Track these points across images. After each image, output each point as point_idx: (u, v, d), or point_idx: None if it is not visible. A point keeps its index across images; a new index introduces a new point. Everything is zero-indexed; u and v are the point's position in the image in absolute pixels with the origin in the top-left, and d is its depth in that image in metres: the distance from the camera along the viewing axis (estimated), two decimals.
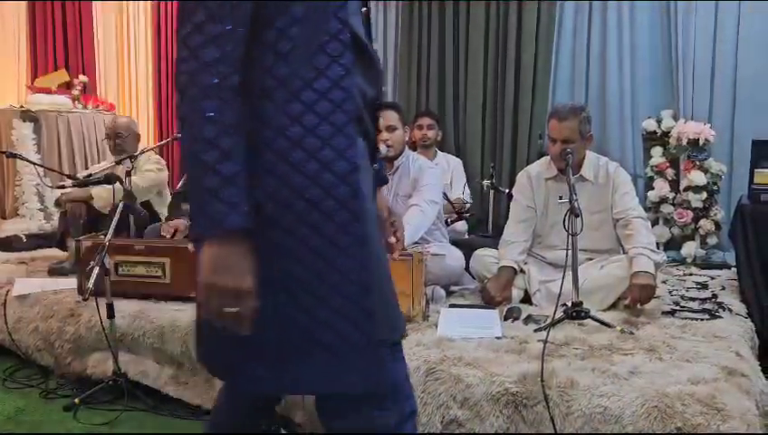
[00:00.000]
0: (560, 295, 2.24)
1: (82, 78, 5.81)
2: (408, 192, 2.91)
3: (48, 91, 5.51)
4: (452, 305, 2.71)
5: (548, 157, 2.95)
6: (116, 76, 6.56)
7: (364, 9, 1.20)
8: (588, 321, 2.35)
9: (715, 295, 2.88)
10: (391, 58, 4.98)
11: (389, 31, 4.99)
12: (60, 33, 6.18)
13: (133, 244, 2.83)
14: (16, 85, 6.18)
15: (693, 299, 2.81)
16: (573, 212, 2.31)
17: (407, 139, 3.05)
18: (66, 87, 5.78)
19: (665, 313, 2.55)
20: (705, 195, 3.79)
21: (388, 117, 2.91)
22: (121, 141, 3.62)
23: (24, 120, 5.06)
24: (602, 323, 2.33)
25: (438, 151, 4.26)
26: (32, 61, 6.20)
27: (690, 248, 3.82)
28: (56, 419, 2.37)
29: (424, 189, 2.85)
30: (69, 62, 6.19)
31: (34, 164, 3.71)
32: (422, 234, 2.79)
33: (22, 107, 5.24)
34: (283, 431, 2.05)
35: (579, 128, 2.68)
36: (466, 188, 4.07)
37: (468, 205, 3.97)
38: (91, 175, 3.25)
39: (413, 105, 4.75)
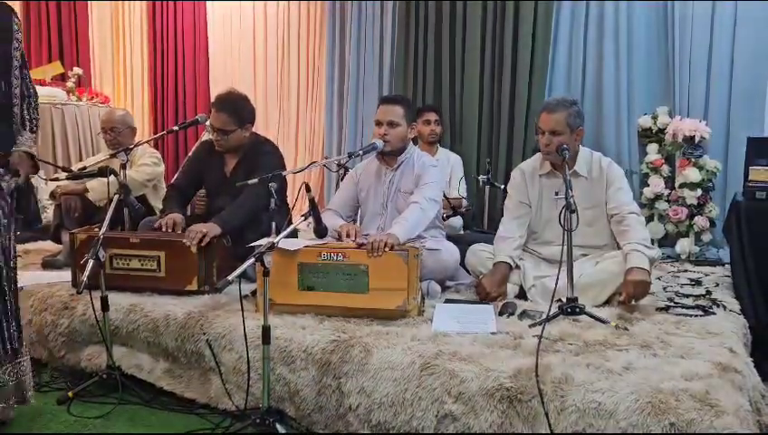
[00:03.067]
0: (555, 291, 2.25)
1: (77, 70, 5.77)
2: (410, 188, 2.90)
3: (42, 83, 5.47)
4: (447, 301, 2.72)
5: (539, 154, 2.95)
6: (111, 69, 6.52)
7: None
8: (582, 316, 2.36)
9: (708, 292, 2.89)
10: (388, 54, 4.97)
11: (386, 26, 4.98)
12: (54, 25, 6.14)
13: (128, 237, 2.82)
14: None
15: (687, 296, 2.82)
16: (569, 208, 2.31)
17: (411, 136, 3.02)
18: (60, 79, 5.75)
19: (659, 309, 2.56)
20: (699, 192, 3.80)
21: (390, 111, 2.90)
22: (117, 135, 3.60)
23: None
24: (597, 318, 2.34)
25: (440, 147, 4.26)
26: (25, 52, 6.16)
27: (684, 245, 3.83)
28: (50, 412, 2.36)
29: (425, 188, 2.85)
30: (63, 54, 6.16)
31: None
32: (419, 232, 2.79)
33: None
34: (278, 426, 2.05)
35: (567, 120, 2.68)
36: (462, 183, 4.06)
37: (465, 201, 3.97)
38: (85, 168, 3.23)
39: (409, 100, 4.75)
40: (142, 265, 2.75)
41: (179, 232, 2.89)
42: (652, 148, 4.06)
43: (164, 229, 2.90)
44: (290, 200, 3.46)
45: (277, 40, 5.75)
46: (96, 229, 2.71)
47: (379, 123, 2.91)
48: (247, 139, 3.15)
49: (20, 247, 4.05)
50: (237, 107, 3.09)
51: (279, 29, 5.74)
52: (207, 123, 3.40)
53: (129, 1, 6.37)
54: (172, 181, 3.42)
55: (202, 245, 2.73)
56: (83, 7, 6.26)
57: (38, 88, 5.41)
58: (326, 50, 5.31)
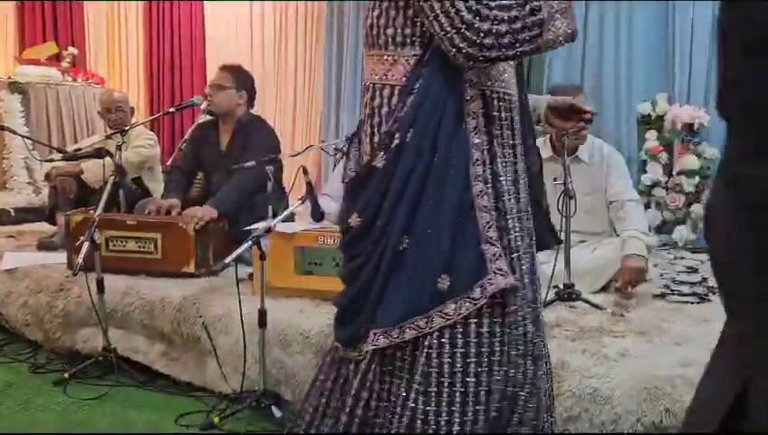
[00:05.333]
0: (552, 277, 2.25)
1: (72, 50, 5.71)
2: None
3: (37, 63, 5.42)
4: None
5: (542, 138, 2.94)
6: (106, 49, 6.45)
7: None
8: (579, 303, 2.36)
9: (705, 279, 2.90)
10: None
11: None
12: (49, 5, 6.07)
13: (125, 219, 2.80)
14: (4, 56, 6.08)
15: (683, 283, 2.83)
16: (567, 194, 2.30)
17: None
18: (55, 59, 5.69)
19: (655, 296, 2.57)
20: (697, 179, 3.80)
21: None
22: (122, 115, 3.57)
23: (12, 92, 4.98)
24: (593, 305, 2.34)
25: None
26: (20, 32, 6.09)
27: (681, 232, 3.83)
28: (46, 393, 2.36)
29: None
30: (58, 34, 6.09)
31: (23, 137, 3.66)
32: None
33: (9, 78, 5.15)
34: (274, 409, 2.05)
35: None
36: None
37: None
38: (80, 149, 3.21)
39: None
40: (139, 246, 2.74)
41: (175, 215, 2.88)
42: (651, 134, 4.04)
43: (160, 211, 2.88)
44: (287, 183, 3.44)
45: (274, 21, 5.70)
46: (91, 211, 2.69)
47: None
48: (240, 110, 3.15)
49: (15, 229, 4.05)
50: (240, 72, 3.19)
51: (277, 11, 5.68)
52: (203, 106, 3.38)
53: None
54: (176, 163, 3.40)
55: (197, 228, 2.71)
56: None
57: (32, 68, 5.42)
58: (324, 32, 5.26)
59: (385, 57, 1.27)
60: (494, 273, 1.20)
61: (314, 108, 5.53)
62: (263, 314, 2.08)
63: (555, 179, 2.70)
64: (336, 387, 1.37)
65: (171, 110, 3.26)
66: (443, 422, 1.19)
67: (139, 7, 6.27)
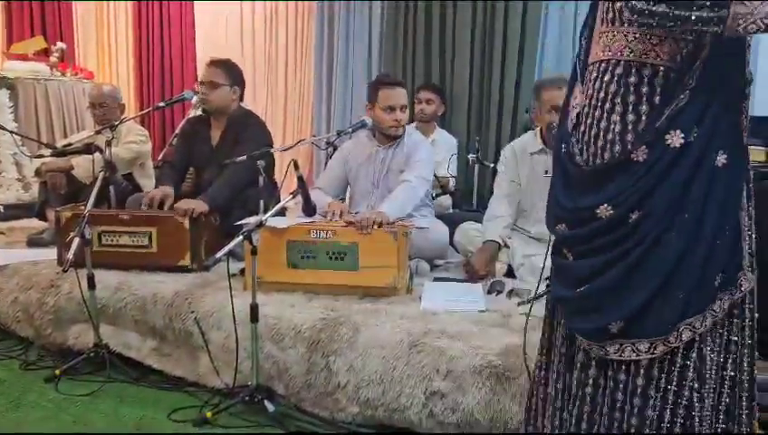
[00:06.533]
0: (543, 269, 2.24)
1: (60, 45, 5.65)
2: (402, 167, 2.89)
3: (24, 58, 5.36)
4: (436, 279, 2.72)
5: (533, 131, 2.94)
6: (95, 44, 6.40)
7: None
8: None
9: None
10: (377, 29, 4.91)
11: (375, 3, 4.91)
12: (36, 3, 6.00)
13: (118, 213, 2.79)
14: None
15: None
16: None
17: None
18: (44, 54, 5.64)
19: None
20: None
21: (402, 95, 2.88)
22: (107, 111, 3.55)
23: (0, 87, 4.93)
24: None
25: (438, 127, 4.15)
26: (7, 27, 6.03)
27: None
28: (37, 390, 2.35)
29: (416, 165, 2.84)
30: (46, 29, 6.03)
31: (11, 132, 3.62)
32: (410, 210, 2.78)
33: None
34: (267, 403, 2.06)
35: None
36: (452, 162, 3.99)
37: (452, 180, 3.92)
38: (70, 144, 3.19)
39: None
40: (133, 241, 2.73)
41: (168, 206, 2.87)
42: None
43: (152, 204, 2.87)
44: (278, 178, 3.43)
45: (265, 12, 5.67)
46: (82, 207, 2.67)
47: (391, 108, 2.86)
48: (233, 106, 3.13)
49: (4, 225, 4.02)
50: (231, 66, 3.15)
51: (267, 6, 5.66)
52: (194, 100, 3.36)
53: None
54: (167, 159, 3.38)
55: (193, 217, 2.71)
56: None
57: (20, 63, 5.35)
58: (314, 25, 5.24)
59: (648, 36, 1.22)
60: (747, 269, 1.27)
61: (305, 103, 5.52)
62: (254, 309, 2.08)
63: (546, 172, 2.71)
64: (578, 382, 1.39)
65: (161, 104, 3.23)
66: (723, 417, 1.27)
67: (128, 3, 6.22)
